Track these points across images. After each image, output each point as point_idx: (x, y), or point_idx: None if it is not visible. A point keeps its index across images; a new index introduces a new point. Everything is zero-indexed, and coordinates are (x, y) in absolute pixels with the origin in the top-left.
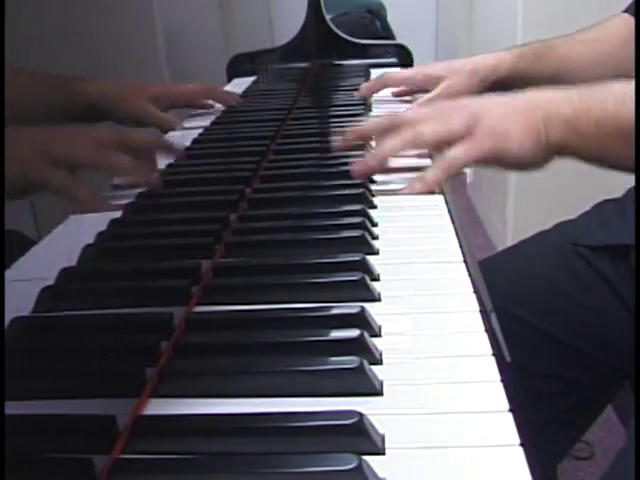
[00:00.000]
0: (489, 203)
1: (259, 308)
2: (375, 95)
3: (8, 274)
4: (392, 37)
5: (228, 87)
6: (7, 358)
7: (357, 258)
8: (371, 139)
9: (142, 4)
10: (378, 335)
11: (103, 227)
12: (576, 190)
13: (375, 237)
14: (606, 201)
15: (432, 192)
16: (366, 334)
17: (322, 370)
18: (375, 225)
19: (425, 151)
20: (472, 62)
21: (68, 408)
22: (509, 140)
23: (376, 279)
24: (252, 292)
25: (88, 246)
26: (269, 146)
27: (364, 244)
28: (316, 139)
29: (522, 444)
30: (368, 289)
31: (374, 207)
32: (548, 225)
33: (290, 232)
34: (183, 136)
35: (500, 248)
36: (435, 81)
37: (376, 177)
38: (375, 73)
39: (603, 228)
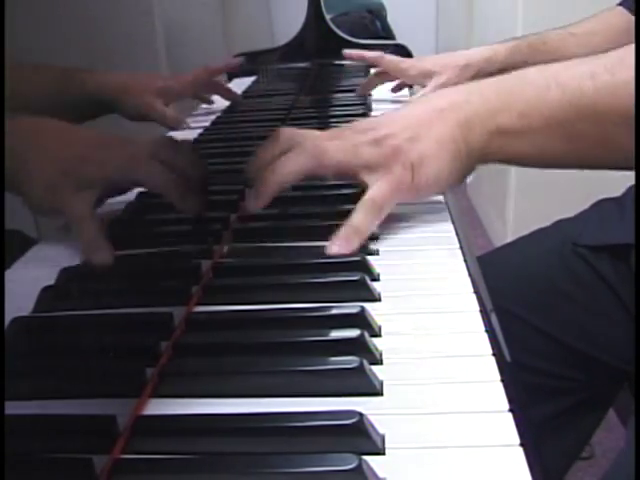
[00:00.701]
0: (489, 203)
1: (259, 308)
2: (375, 95)
3: (8, 274)
4: (392, 37)
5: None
6: (7, 358)
7: (357, 258)
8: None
9: (142, 4)
10: (378, 335)
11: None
12: (576, 190)
13: (375, 237)
14: (605, 200)
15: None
16: (366, 334)
17: (322, 370)
18: None
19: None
20: (465, 56)
21: (68, 408)
22: (421, 169)
23: (376, 279)
24: (252, 292)
25: None
26: None
27: (364, 244)
28: None
29: (522, 444)
30: (368, 289)
31: None
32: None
33: (290, 232)
34: (184, 136)
35: None
36: (429, 75)
37: None
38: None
39: (602, 227)
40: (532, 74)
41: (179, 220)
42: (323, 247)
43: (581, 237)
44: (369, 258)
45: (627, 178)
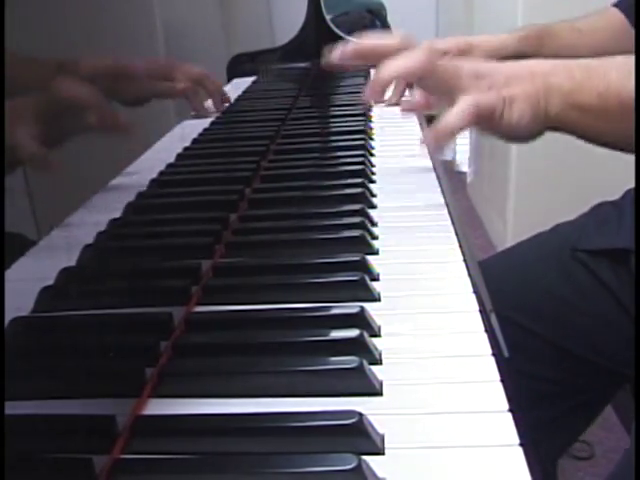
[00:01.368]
0: (489, 203)
1: (259, 308)
2: None
3: (8, 274)
4: None
5: (228, 87)
6: (7, 358)
7: (357, 258)
8: None
9: (142, 4)
10: (378, 335)
11: (103, 227)
12: (576, 190)
13: (375, 237)
14: (603, 203)
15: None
16: (366, 334)
17: (322, 370)
18: (375, 225)
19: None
20: (471, 46)
21: (68, 408)
22: (512, 107)
23: (376, 279)
24: (252, 292)
25: (88, 246)
26: (269, 146)
27: (364, 244)
28: (316, 139)
29: (522, 444)
30: (368, 289)
31: (374, 207)
32: (548, 225)
33: (290, 232)
34: (183, 136)
35: (500, 248)
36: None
37: None
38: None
39: (601, 231)
40: (619, 59)
41: (179, 220)
42: (323, 249)
43: (580, 242)
44: (369, 258)
45: (626, 181)
